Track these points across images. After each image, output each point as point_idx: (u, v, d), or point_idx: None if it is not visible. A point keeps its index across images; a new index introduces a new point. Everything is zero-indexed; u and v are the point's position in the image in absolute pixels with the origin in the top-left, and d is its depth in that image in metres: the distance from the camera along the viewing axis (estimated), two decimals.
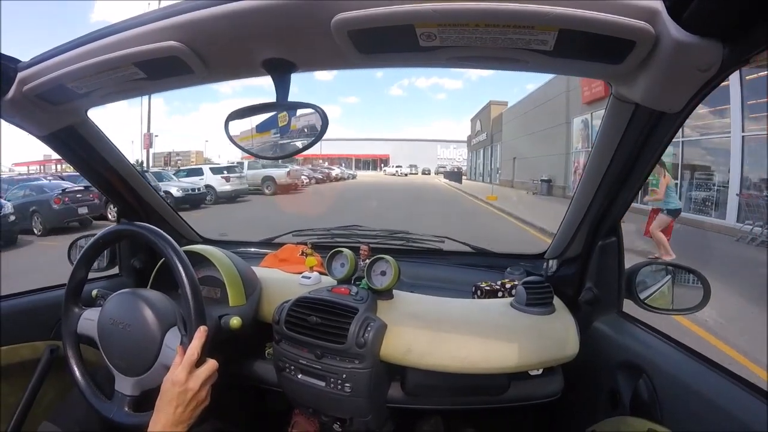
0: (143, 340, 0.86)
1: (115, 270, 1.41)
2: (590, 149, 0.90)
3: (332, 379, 0.96)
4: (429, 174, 55.26)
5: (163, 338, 0.86)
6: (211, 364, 0.82)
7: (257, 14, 0.59)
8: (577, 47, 0.56)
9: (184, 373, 0.78)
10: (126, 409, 0.85)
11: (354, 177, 37.70)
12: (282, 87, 0.74)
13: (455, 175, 34.25)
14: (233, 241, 1.66)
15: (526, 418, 1.27)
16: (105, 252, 1.31)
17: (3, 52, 0.80)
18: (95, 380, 0.94)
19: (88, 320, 0.95)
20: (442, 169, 54.64)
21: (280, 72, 0.73)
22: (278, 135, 0.77)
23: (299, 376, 1.00)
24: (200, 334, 0.82)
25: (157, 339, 0.86)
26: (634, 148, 0.78)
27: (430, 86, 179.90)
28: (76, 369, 0.93)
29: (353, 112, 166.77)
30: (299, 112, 0.76)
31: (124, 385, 0.87)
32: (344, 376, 0.94)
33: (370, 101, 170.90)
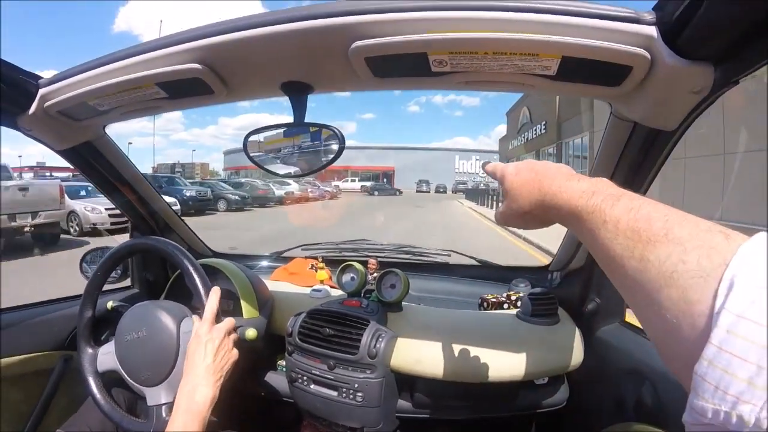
0: (160, 336, 0.88)
1: (128, 282, 1.43)
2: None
3: (344, 389, 0.98)
4: (444, 192, 41.69)
5: (179, 328, 0.89)
6: (229, 320, 0.85)
7: (278, 40, 0.63)
8: (578, 72, 0.60)
9: (206, 325, 0.81)
10: (165, 416, 0.86)
11: (323, 197, 24.33)
12: (299, 107, 0.78)
13: (476, 195, 21.41)
14: (243, 255, 1.69)
15: (533, 426, 1.28)
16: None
17: (25, 68, 0.83)
18: (125, 407, 0.97)
19: (106, 355, 0.96)
20: (461, 186, 41.42)
21: (298, 94, 0.77)
22: (308, 140, 0.80)
23: (312, 387, 1.02)
24: (215, 294, 0.85)
25: (173, 331, 0.88)
26: (633, 163, 0.82)
27: (447, 103, 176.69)
28: (107, 407, 0.93)
29: (369, 128, 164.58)
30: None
31: (157, 395, 0.88)
32: (356, 385, 0.96)
33: (387, 117, 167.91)
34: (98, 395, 0.94)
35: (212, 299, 0.85)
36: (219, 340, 0.80)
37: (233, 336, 0.85)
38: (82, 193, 10.05)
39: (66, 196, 9.04)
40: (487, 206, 19.59)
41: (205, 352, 0.78)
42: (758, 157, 7.46)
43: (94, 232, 9.28)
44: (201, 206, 14.54)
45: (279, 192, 20.32)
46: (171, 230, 1.43)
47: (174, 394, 0.86)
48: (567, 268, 1.19)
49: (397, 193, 35.66)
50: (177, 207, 11.52)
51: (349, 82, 0.73)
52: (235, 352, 0.84)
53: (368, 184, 40.80)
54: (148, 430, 0.86)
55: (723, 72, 0.55)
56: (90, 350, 0.98)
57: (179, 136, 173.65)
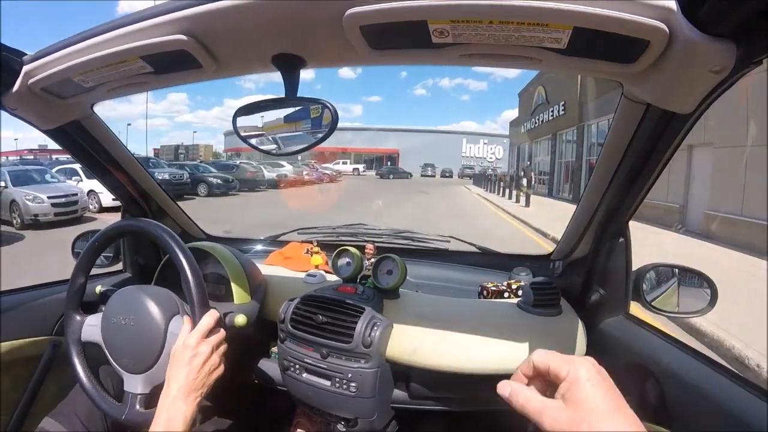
0: (148, 330, 0.86)
1: (119, 266, 1.41)
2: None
3: (338, 379, 0.95)
4: (450, 176, 42.27)
5: (167, 326, 0.86)
6: (220, 332, 0.84)
7: (267, 8, 0.59)
8: (590, 46, 0.56)
9: (196, 337, 0.79)
10: (138, 407, 0.84)
11: (321, 180, 24.33)
12: (291, 83, 0.74)
13: (485, 181, 20.48)
14: (238, 239, 1.66)
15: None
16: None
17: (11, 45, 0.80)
18: (104, 384, 0.94)
19: (92, 326, 0.94)
20: (469, 170, 41.40)
21: (290, 67, 0.73)
22: (309, 126, 0.77)
23: (304, 375, 0.99)
24: (213, 314, 0.83)
25: (161, 327, 0.86)
26: (644, 148, 0.78)
27: (454, 87, 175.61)
28: (83, 376, 0.92)
29: (375, 111, 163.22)
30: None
31: (134, 383, 0.86)
32: (350, 375, 0.94)
33: (393, 100, 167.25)
34: (78, 364, 0.93)
35: (208, 318, 0.82)
36: (206, 355, 0.78)
37: (221, 350, 0.84)
38: (37, 178, 9.16)
39: (9, 183, 8.41)
40: (497, 193, 18.62)
41: (189, 367, 0.76)
42: None
43: (36, 224, 8.22)
44: (176, 191, 13.01)
45: (270, 175, 19.06)
46: (164, 213, 1.40)
47: (150, 388, 0.85)
48: (570, 257, 1.16)
49: (409, 176, 38.64)
50: None
51: (344, 55, 0.69)
52: (221, 369, 0.82)
53: (361, 167, 42.31)
54: (119, 415, 0.85)
55: (746, 51, 0.51)
56: (77, 317, 0.96)
57: (184, 118, 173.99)
